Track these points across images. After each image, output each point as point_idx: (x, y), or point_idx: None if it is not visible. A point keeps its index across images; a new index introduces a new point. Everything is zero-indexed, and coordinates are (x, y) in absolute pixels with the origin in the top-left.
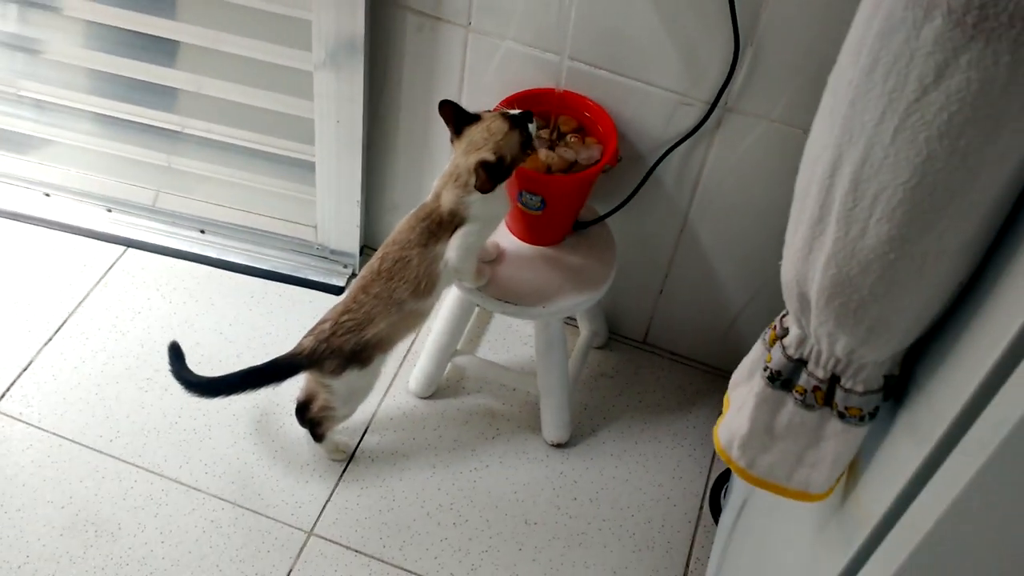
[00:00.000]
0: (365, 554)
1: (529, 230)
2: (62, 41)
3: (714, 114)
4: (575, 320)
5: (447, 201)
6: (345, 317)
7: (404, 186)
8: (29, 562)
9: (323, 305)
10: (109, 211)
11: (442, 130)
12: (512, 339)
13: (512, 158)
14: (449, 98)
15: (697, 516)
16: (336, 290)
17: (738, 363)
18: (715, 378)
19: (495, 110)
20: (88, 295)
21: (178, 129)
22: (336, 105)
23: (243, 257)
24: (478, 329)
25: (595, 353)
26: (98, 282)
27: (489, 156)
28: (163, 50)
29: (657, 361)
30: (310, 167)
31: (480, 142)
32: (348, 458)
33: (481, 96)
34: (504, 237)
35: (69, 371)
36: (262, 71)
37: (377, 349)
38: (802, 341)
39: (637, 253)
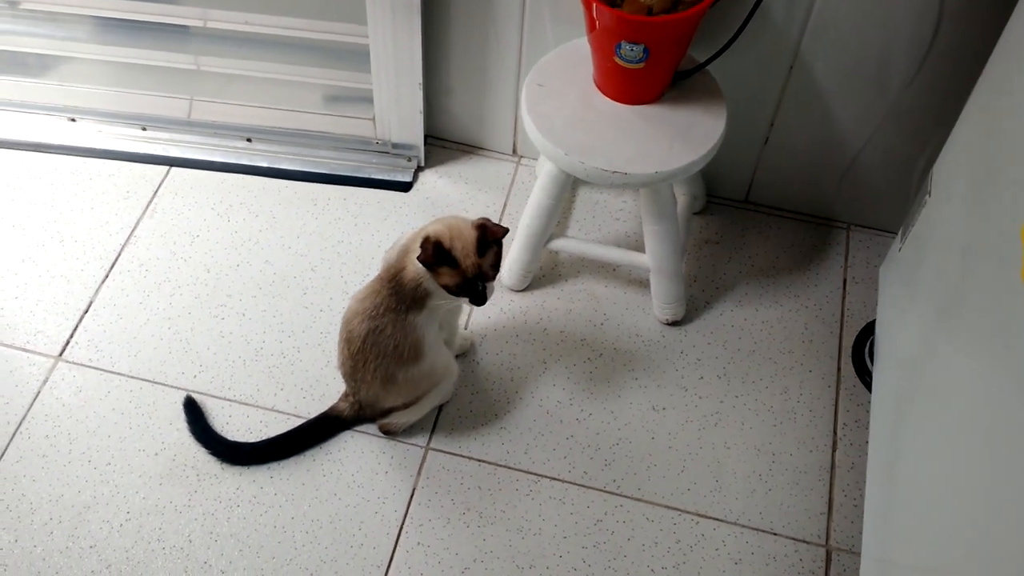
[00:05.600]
0: (489, 462)
1: (626, 87)
2: None
3: None
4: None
5: (410, 267)
6: (359, 397)
7: (460, 65)
8: (131, 518)
9: (392, 204)
10: (144, 129)
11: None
12: (601, 215)
13: (441, 272)
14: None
15: (836, 379)
16: (403, 186)
17: (857, 211)
18: (830, 230)
19: (493, 271)
20: (138, 224)
21: (200, 23)
22: None
23: (298, 163)
24: (563, 209)
25: (696, 219)
26: (146, 208)
27: (447, 241)
28: None
29: (763, 220)
30: (363, 52)
31: (460, 241)
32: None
33: None
34: (597, 99)
35: (134, 308)
36: None
37: (406, 404)
38: None
39: (741, 100)
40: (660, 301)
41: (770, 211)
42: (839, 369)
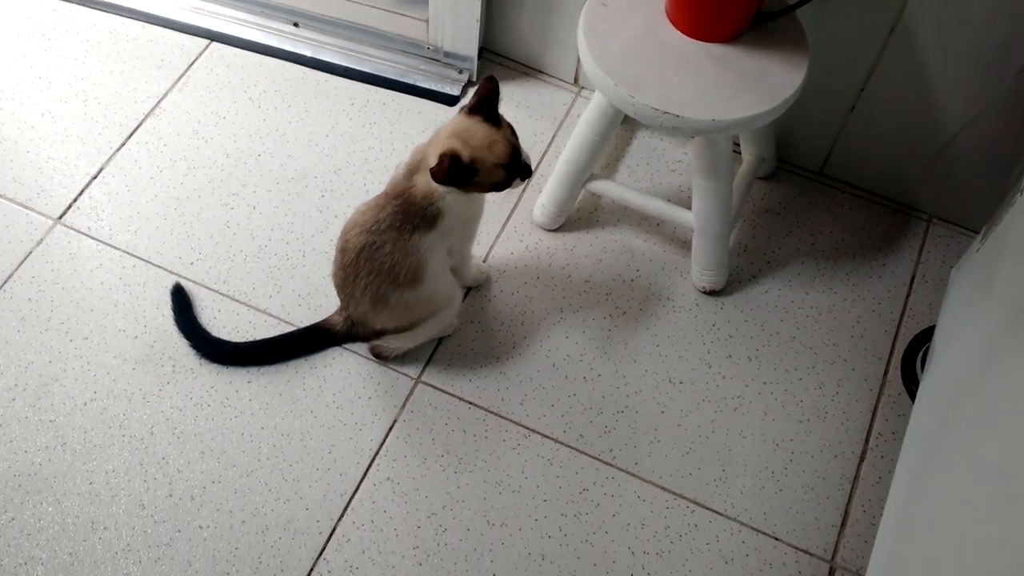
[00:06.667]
0: (480, 407)
1: (699, 19)
2: None
3: None
4: (737, 141)
5: (421, 183)
6: (349, 312)
7: None
8: (96, 399)
9: (433, 117)
10: None
11: None
12: (658, 164)
13: (477, 181)
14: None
15: (880, 383)
16: (450, 99)
17: (943, 203)
18: (909, 219)
19: (512, 137)
20: (166, 95)
21: None
22: None
23: (342, 57)
24: (616, 151)
25: (759, 184)
26: (177, 80)
27: (466, 155)
28: None
29: (836, 196)
30: None
31: (474, 141)
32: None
33: None
34: (664, 29)
35: (145, 181)
36: None
37: (398, 329)
38: None
39: (829, 57)
40: (700, 266)
41: (845, 188)
42: (886, 373)
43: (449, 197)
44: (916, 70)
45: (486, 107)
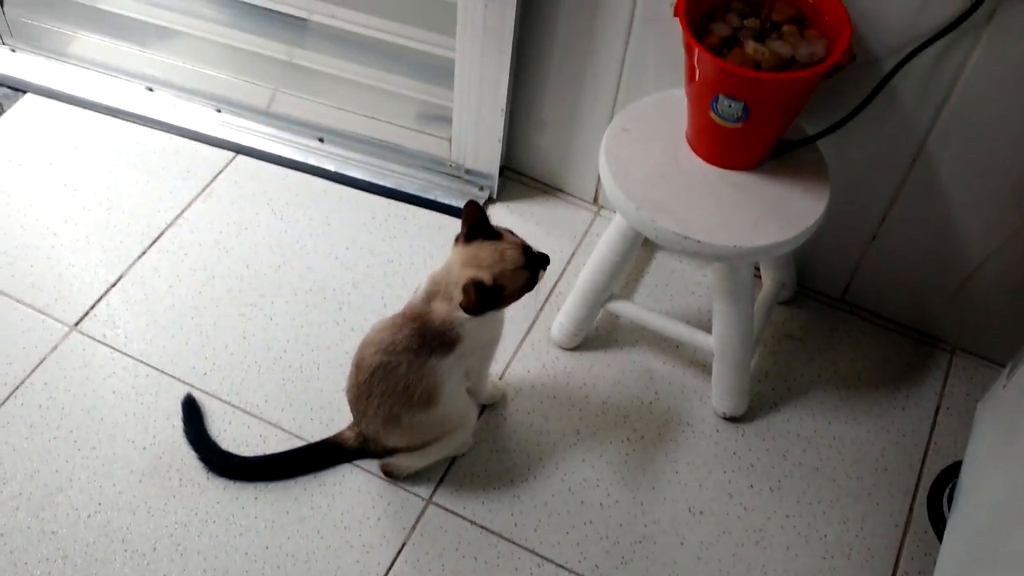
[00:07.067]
0: (491, 531)
1: (720, 148)
2: None
3: (985, 3)
4: (757, 265)
5: (439, 310)
6: (362, 428)
7: (556, 100)
8: (101, 511)
9: (453, 232)
10: (218, 111)
11: (609, 34)
12: (677, 285)
13: (508, 294)
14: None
15: (906, 520)
16: None
17: (966, 334)
18: (932, 350)
19: (516, 238)
20: (190, 205)
21: (304, 16)
22: None
23: (365, 172)
24: (636, 271)
25: (780, 309)
26: (202, 191)
27: (487, 279)
28: None
29: (857, 324)
30: (448, 67)
31: (486, 261)
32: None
33: None
34: (685, 156)
35: (163, 290)
36: None
37: (410, 448)
38: None
39: (850, 186)
40: (720, 391)
41: (867, 316)
42: (911, 509)
43: (469, 323)
44: (939, 199)
45: (479, 230)
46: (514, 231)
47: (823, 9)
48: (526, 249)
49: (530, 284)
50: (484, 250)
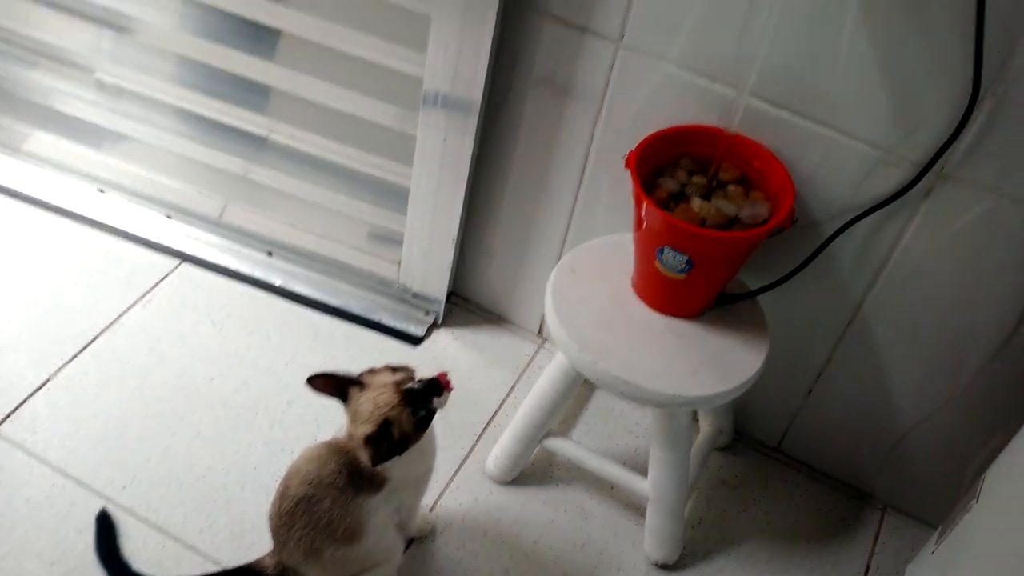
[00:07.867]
0: None
1: (664, 296)
2: (155, 18)
3: (924, 179)
4: (695, 413)
5: (363, 456)
6: (281, 557)
7: (507, 232)
8: None
9: (396, 355)
10: (168, 217)
11: (563, 174)
12: (615, 425)
13: (404, 435)
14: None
15: None
16: (413, 339)
17: (898, 493)
18: (864, 506)
19: (386, 374)
20: (128, 310)
21: (264, 134)
22: (446, 120)
23: (311, 288)
24: (575, 407)
25: (716, 455)
26: (142, 296)
27: (370, 430)
28: (263, 40)
29: (792, 476)
30: (403, 193)
31: (365, 414)
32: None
33: (621, 126)
34: (630, 301)
35: (90, 397)
36: (366, 73)
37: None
38: None
39: (788, 341)
40: (653, 537)
41: (802, 467)
42: None
43: (392, 465)
44: (874, 361)
45: (343, 388)
46: (394, 364)
47: (768, 172)
48: (396, 384)
49: (425, 418)
50: (361, 402)
